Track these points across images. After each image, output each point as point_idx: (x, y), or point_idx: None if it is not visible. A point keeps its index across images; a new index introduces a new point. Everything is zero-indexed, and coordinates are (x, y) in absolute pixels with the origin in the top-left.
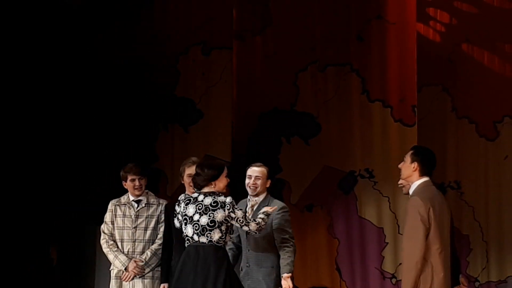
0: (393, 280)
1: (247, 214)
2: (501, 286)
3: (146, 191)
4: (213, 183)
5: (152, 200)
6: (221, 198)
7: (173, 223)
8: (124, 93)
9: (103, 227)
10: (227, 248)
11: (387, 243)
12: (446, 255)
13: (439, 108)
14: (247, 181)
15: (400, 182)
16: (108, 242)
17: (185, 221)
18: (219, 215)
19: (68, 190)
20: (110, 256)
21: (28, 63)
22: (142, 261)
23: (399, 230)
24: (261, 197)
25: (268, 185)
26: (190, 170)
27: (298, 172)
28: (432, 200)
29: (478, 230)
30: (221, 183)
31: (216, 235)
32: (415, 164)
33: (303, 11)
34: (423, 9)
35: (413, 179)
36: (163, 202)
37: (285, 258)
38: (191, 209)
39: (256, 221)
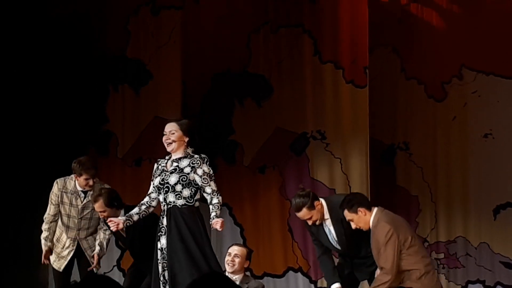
0: None
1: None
2: (450, 246)
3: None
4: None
5: None
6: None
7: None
8: (74, 55)
9: (48, 208)
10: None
11: None
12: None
13: (389, 69)
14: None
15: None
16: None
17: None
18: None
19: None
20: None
21: None
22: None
23: (350, 191)
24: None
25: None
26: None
27: (251, 133)
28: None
29: (427, 191)
30: None
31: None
32: (361, 211)
33: None
34: None
35: (367, 218)
36: None
37: None
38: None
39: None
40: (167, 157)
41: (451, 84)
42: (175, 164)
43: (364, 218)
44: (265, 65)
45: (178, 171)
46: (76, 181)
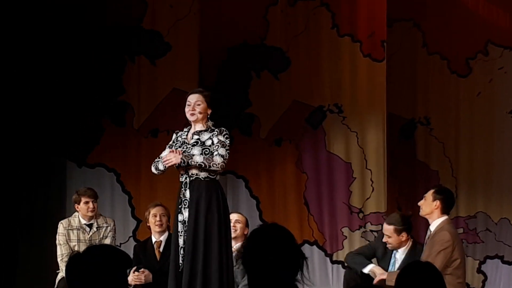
0: (360, 215)
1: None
2: (470, 221)
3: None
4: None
5: (101, 222)
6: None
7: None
8: (90, 26)
9: (59, 249)
10: None
11: (355, 178)
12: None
13: (409, 44)
14: None
15: (385, 239)
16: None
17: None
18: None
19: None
20: None
21: None
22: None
23: (366, 165)
24: None
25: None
26: (155, 210)
27: (268, 106)
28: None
29: (448, 166)
30: None
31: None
32: (437, 203)
33: None
34: None
35: (433, 217)
36: (111, 223)
37: None
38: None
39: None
40: (186, 129)
41: (476, 60)
42: (196, 137)
43: (432, 208)
44: (282, 37)
45: (200, 144)
46: (79, 215)
